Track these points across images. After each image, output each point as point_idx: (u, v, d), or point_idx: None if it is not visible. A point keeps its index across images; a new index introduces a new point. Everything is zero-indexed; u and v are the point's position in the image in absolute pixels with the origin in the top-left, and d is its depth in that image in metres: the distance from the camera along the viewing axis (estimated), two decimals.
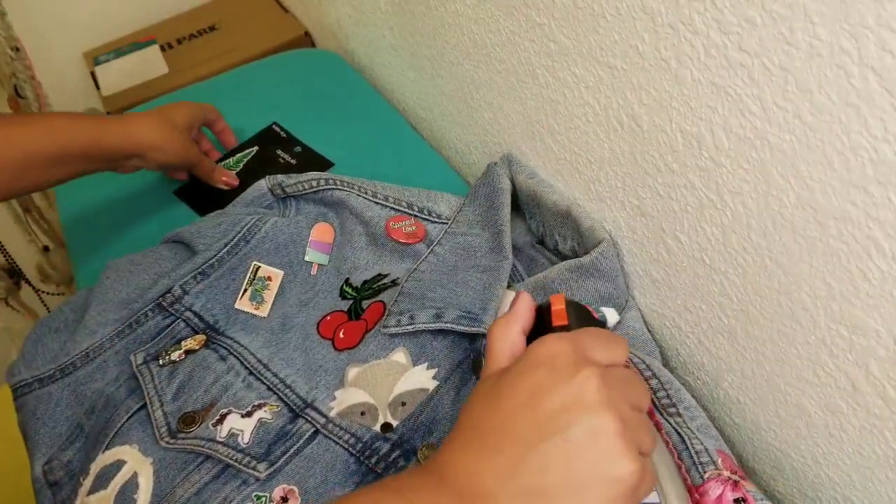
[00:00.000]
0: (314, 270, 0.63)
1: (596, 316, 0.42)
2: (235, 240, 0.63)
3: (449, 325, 0.52)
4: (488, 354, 0.39)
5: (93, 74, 1.11)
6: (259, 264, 0.62)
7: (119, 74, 1.08)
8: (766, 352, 0.47)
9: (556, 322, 0.39)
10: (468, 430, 0.35)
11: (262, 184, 0.67)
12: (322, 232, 0.65)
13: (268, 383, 0.55)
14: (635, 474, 0.33)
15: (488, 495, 0.33)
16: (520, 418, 0.34)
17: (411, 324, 0.53)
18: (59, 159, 0.61)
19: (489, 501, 0.33)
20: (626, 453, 0.33)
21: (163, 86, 1.03)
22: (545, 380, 0.34)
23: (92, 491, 0.51)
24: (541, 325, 0.40)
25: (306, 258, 0.63)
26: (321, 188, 0.66)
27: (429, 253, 0.60)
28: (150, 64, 1.09)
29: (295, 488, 0.48)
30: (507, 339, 0.39)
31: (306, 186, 0.66)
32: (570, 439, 0.33)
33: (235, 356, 0.56)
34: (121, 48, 1.14)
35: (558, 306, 0.39)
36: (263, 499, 0.48)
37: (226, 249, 0.62)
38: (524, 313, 0.40)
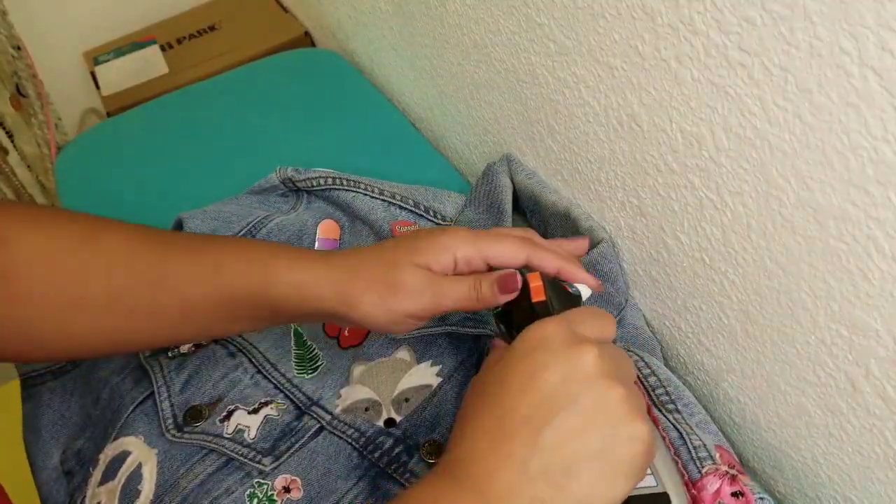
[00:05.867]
0: None
1: (570, 290, 0.44)
2: (241, 233, 0.63)
3: (454, 329, 0.53)
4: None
5: (93, 74, 1.11)
6: None
7: (119, 74, 1.08)
8: (765, 351, 0.47)
9: (535, 298, 0.41)
10: (474, 423, 0.35)
11: (274, 176, 0.68)
12: (328, 229, 0.65)
13: (275, 382, 0.55)
14: (648, 433, 0.33)
15: (510, 488, 0.32)
16: (524, 400, 0.34)
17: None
18: (225, 309, 0.45)
19: (512, 493, 0.32)
20: (636, 413, 0.33)
21: (163, 86, 1.03)
22: (542, 359, 0.34)
23: (102, 482, 0.51)
24: (521, 301, 0.42)
25: None
26: (328, 187, 0.66)
27: None
28: (150, 64, 1.09)
29: (297, 479, 0.49)
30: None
31: (314, 184, 0.66)
32: (578, 411, 0.33)
33: (245, 354, 0.57)
34: (121, 48, 1.14)
35: (535, 283, 0.41)
36: (265, 487, 0.48)
37: None
38: None
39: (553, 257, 0.45)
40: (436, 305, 0.43)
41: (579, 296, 0.45)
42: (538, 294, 0.41)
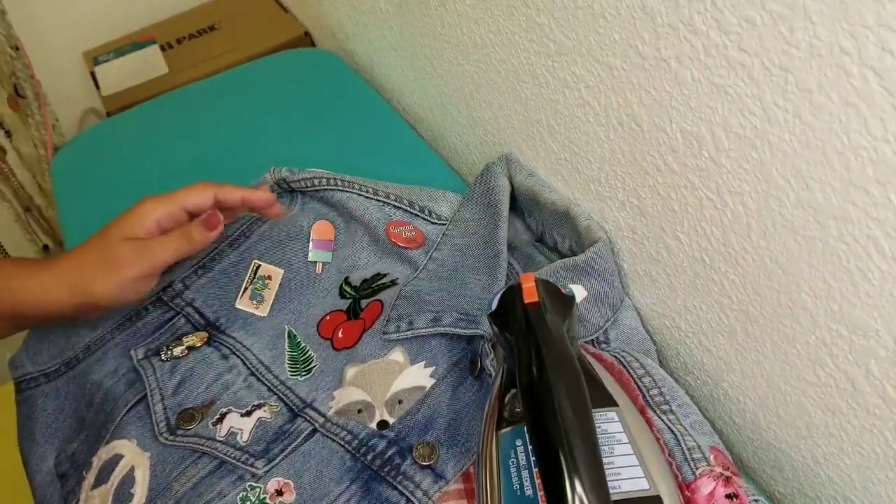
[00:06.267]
0: (319, 269, 0.63)
1: (564, 292, 0.44)
2: (236, 234, 0.63)
3: (446, 329, 0.52)
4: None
5: (93, 74, 1.11)
6: (259, 262, 0.62)
7: (119, 74, 1.08)
8: (765, 351, 0.47)
9: (528, 299, 0.41)
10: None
11: (267, 177, 0.68)
12: (322, 230, 0.65)
13: (268, 384, 0.55)
14: None
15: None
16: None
17: (410, 329, 0.54)
18: None
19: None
20: None
21: (163, 86, 1.03)
22: None
23: (95, 485, 0.51)
24: (513, 302, 0.42)
25: (310, 258, 0.63)
26: (322, 187, 0.66)
27: (427, 260, 0.60)
28: (150, 64, 1.09)
29: (290, 482, 0.49)
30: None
31: (308, 184, 0.66)
32: None
33: (238, 356, 0.56)
34: (121, 48, 1.14)
35: (528, 284, 0.42)
36: (258, 490, 0.48)
37: (226, 242, 0.63)
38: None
39: (235, 188, 0.56)
40: (153, 265, 0.53)
41: (573, 297, 0.44)
42: (531, 295, 0.41)
